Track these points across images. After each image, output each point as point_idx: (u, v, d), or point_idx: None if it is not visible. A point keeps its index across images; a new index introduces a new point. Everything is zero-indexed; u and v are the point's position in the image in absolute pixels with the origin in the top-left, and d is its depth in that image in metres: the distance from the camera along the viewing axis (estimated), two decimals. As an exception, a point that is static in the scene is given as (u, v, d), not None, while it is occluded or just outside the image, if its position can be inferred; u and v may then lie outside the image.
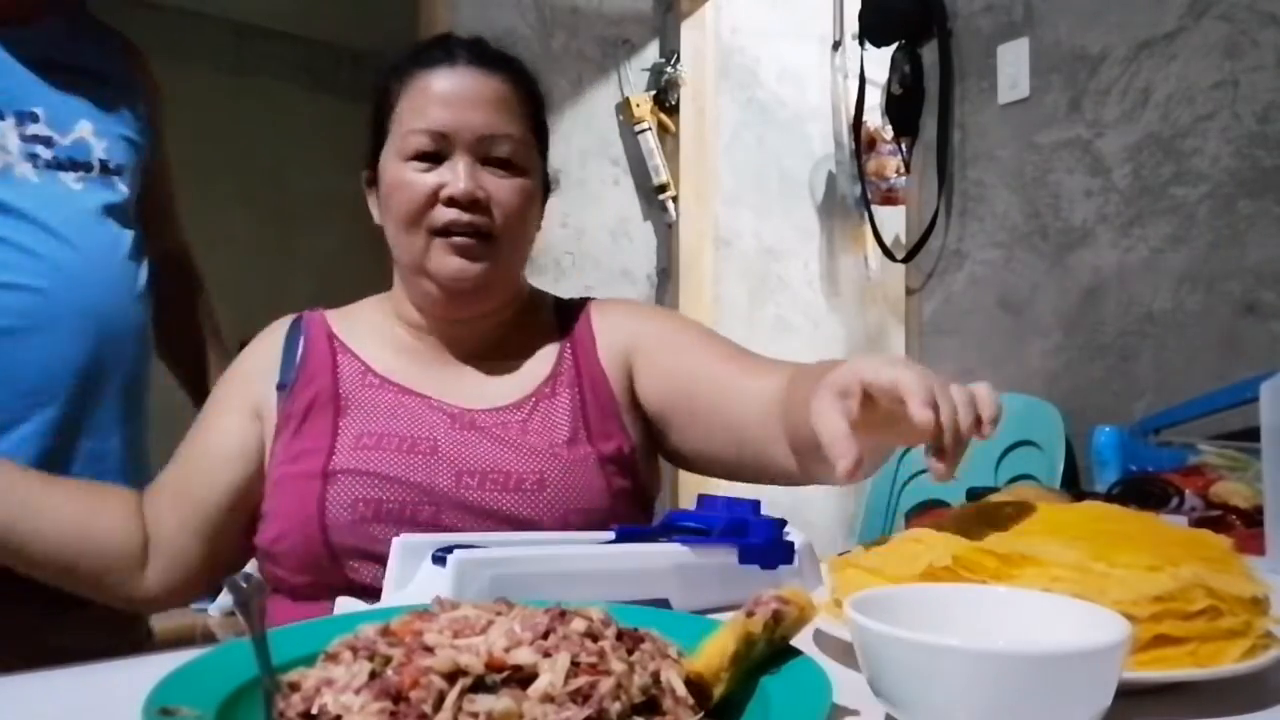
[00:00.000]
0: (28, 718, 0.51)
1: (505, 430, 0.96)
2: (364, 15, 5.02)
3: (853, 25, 2.98)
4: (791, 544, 0.78)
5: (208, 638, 2.38)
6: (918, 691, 0.45)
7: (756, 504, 0.79)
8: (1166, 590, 0.55)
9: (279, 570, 0.92)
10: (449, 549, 0.66)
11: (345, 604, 0.70)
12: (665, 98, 2.96)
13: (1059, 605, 0.52)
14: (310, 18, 5.20)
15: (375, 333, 1.05)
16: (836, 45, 3.43)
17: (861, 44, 2.75)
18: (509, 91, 1.00)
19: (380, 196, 1.01)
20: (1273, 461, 0.97)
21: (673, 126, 2.97)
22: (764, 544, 0.76)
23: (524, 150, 0.99)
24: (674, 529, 0.77)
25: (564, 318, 1.09)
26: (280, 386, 1.00)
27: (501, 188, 0.97)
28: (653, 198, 2.97)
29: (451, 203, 0.95)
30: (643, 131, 2.90)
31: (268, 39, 5.38)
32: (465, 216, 0.95)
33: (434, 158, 0.96)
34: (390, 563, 0.70)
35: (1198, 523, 1.29)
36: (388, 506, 0.89)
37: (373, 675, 0.40)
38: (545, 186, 1.07)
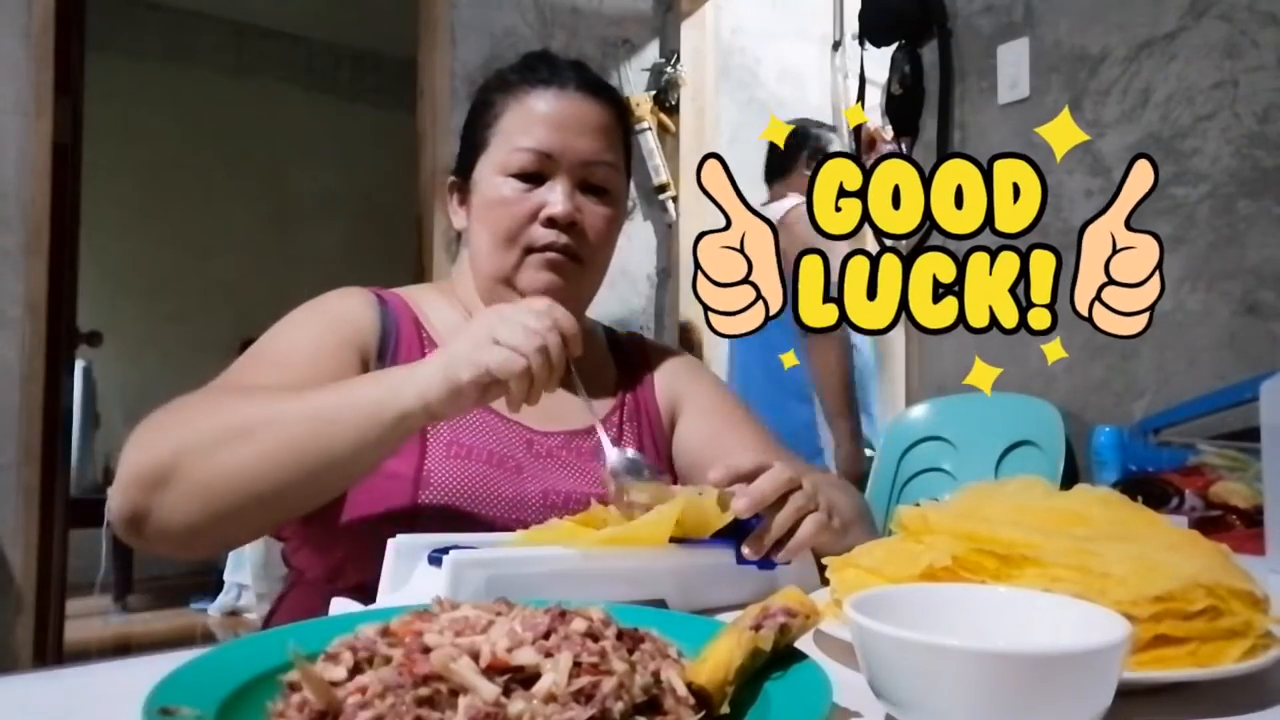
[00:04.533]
0: (28, 718, 0.51)
1: (579, 456, 0.99)
2: (364, 15, 5.03)
3: (853, 25, 2.98)
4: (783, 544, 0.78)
5: (208, 638, 2.38)
6: (918, 691, 0.45)
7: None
8: (1166, 590, 0.55)
9: (325, 556, 0.90)
10: (445, 550, 0.66)
11: (341, 605, 0.70)
12: (665, 98, 2.96)
13: (1059, 605, 0.53)
14: (310, 18, 5.20)
15: (449, 328, 1.03)
16: (836, 45, 3.43)
17: (861, 44, 2.75)
18: (611, 119, 1.02)
19: (472, 206, 1.02)
20: (1273, 461, 0.97)
21: (673, 126, 2.97)
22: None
23: (618, 178, 1.02)
24: None
25: (617, 348, 1.14)
26: (379, 357, 0.97)
27: (596, 214, 0.99)
28: (653, 198, 2.97)
29: (550, 223, 0.96)
30: (643, 131, 2.91)
31: (268, 39, 5.38)
32: (562, 239, 0.97)
33: (535, 177, 0.97)
34: (386, 563, 0.69)
35: (1198, 523, 1.29)
36: (477, 521, 0.89)
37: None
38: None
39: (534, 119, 0.98)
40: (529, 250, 0.97)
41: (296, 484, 0.77)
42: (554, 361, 0.76)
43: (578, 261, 0.99)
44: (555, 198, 0.96)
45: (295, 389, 0.81)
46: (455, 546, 0.67)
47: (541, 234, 0.97)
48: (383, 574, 0.69)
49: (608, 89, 1.04)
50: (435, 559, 0.66)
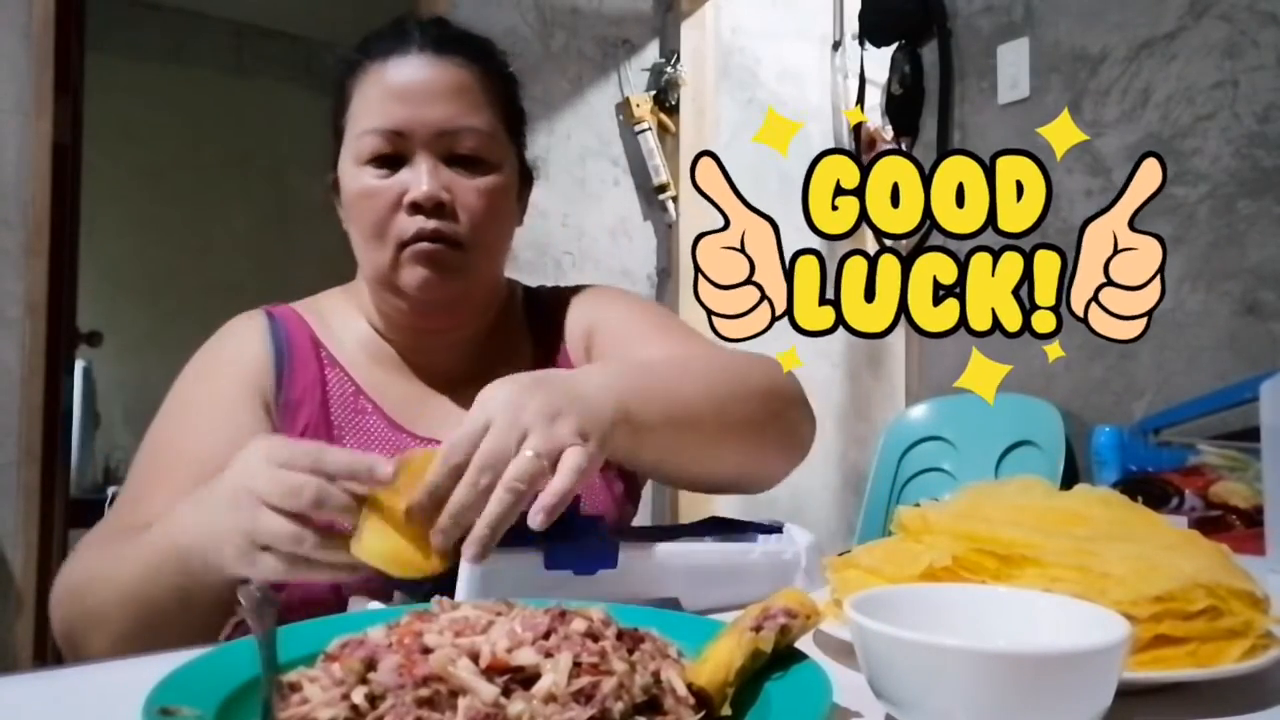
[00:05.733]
0: (28, 718, 0.51)
1: None
2: (364, 15, 5.02)
3: (853, 25, 2.98)
4: (616, 543, 0.69)
5: (208, 638, 2.37)
6: (918, 691, 0.45)
7: (576, 498, 0.67)
8: (1166, 590, 0.55)
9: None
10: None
11: (358, 603, 0.70)
12: (665, 98, 2.96)
13: (1059, 605, 0.52)
14: (310, 18, 5.19)
15: (353, 337, 0.96)
16: (836, 45, 3.43)
17: (861, 44, 2.75)
18: (470, 78, 0.89)
19: (344, 203, 0.92)
20: (1273, 461, 0.97)
21: (673, 126, 2.97)
22: (577, 544, 0.68)
23: (491, 143, 0.89)
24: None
25: (533, 315, 1.02)
26: (278, 385, 0.90)
27: (467, 189, 0.87)
28: (653, 198, 2.97)
29: (415, 209, 0.85)
30: (643, 131, 2.90)
31: (268, 39, 5.38)
32: (431, 223, 0.85)
33: (393, 160, 0.87)
34: None
35: (1197, 523, 1.29)
36: None
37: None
38: (525, 177, 0.97)
39: (379, 95, 0.87)
40: (400, 244, 0.86)
41: (172, 627, 0.71)
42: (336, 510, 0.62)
43: (457, 247, 0.87)
44: (415, 179, 0.85)
45: (156, 525, 0.74)
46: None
47: (408, 224, 0.85)
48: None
49: (463, 42, 0.91)
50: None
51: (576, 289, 1.05)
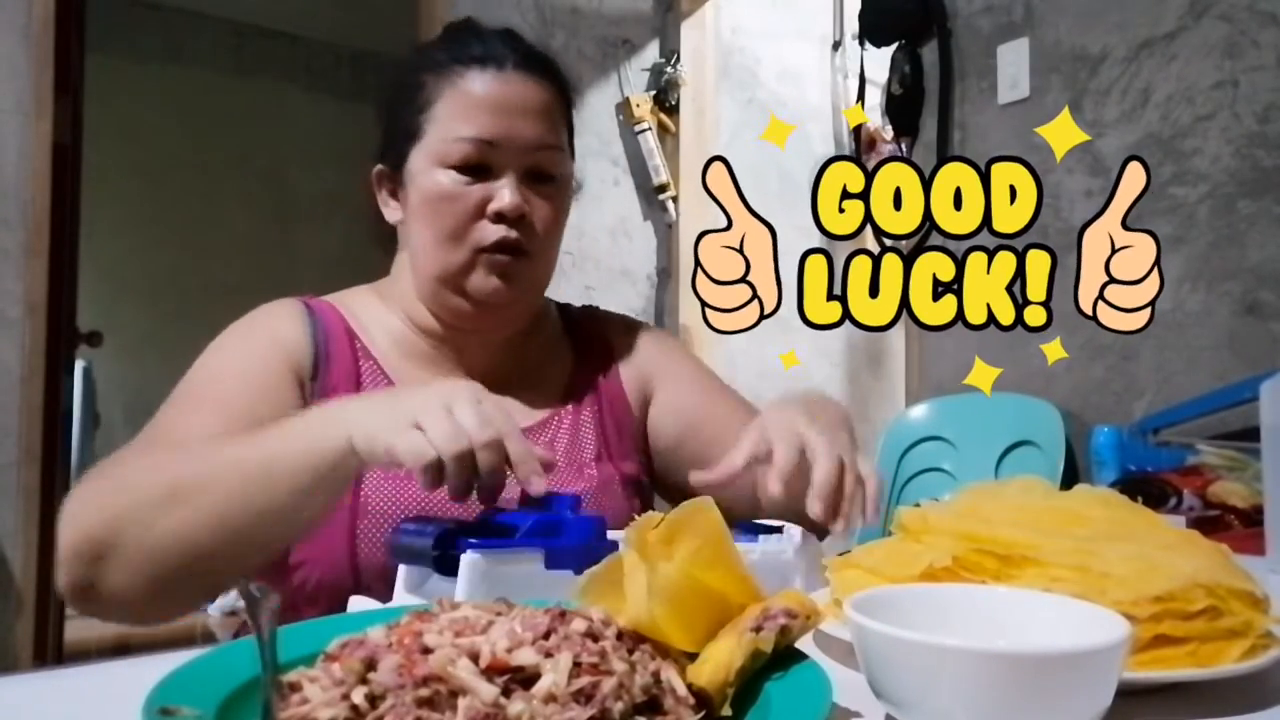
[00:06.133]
0: (28, 718, 0.51)
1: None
2: (364, 15, 5.02)
3: (853, 25, 2.98)
4: (614, 544, 0.68)
5: (208, 638, 2.38)
6: (918, 691, 0.45)
7: (575, 499, 0.73)
8: (1166, 590, 0.55)
9: (283, 585, 0.86)
10: (460, 549, 0.66)
11: (359, 603, 0.70)
12: (665, 98, 2.96)
13: (1059, 605, 0.53)
14: (310, 18, 5.20)
15: (386, 334, 0.97)
16: (836, 45, 3.43)
17: (861, 44, 2.75)
18: (554, 98, 0.95)
19: (408, 201, 0.94)
20: (1273, 461, 0.97)
21: (673, 126, 2.97)
22: (576, 546, 0.69)
23: (564, 161, 0.96)
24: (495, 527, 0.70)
25: (572, 327, 1.07)
26: (313, 374, 0.92)
27: (542, 204, 0.92)
28: (653, 198, 2.97)
29: (499, 219, 0.90)
30: (643, 131, 2.91)
31: (268, 39, 5.38)
32: (512, 234, 0.90)
33: (477, 169, 0.90)
34: (400, 565, 0.69)
35: (1196, 522, 1.29)
36: None
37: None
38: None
39: (472, 104, 0.90)
40: (478, 250, 0.90)
41: (238, 543, 0.73)
42: (481, 470, 0.67)
43: (527, 257, 0.92)
44: (502, 191, 0.89)
45: (227, 437, 0.77)
46: (470, 545, 0.65)
47: (490, 231, 0.90)
48: (398, 576, 0.69)
49: (547, 63, 0.96)
50: (452, 558, 0.65)
51: (621, 317, 1.12)
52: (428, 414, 0.68)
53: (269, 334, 0.92)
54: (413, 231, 0.94)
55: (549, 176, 0.93)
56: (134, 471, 0.77)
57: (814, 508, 0.74)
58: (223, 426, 0.81)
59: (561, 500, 0.72)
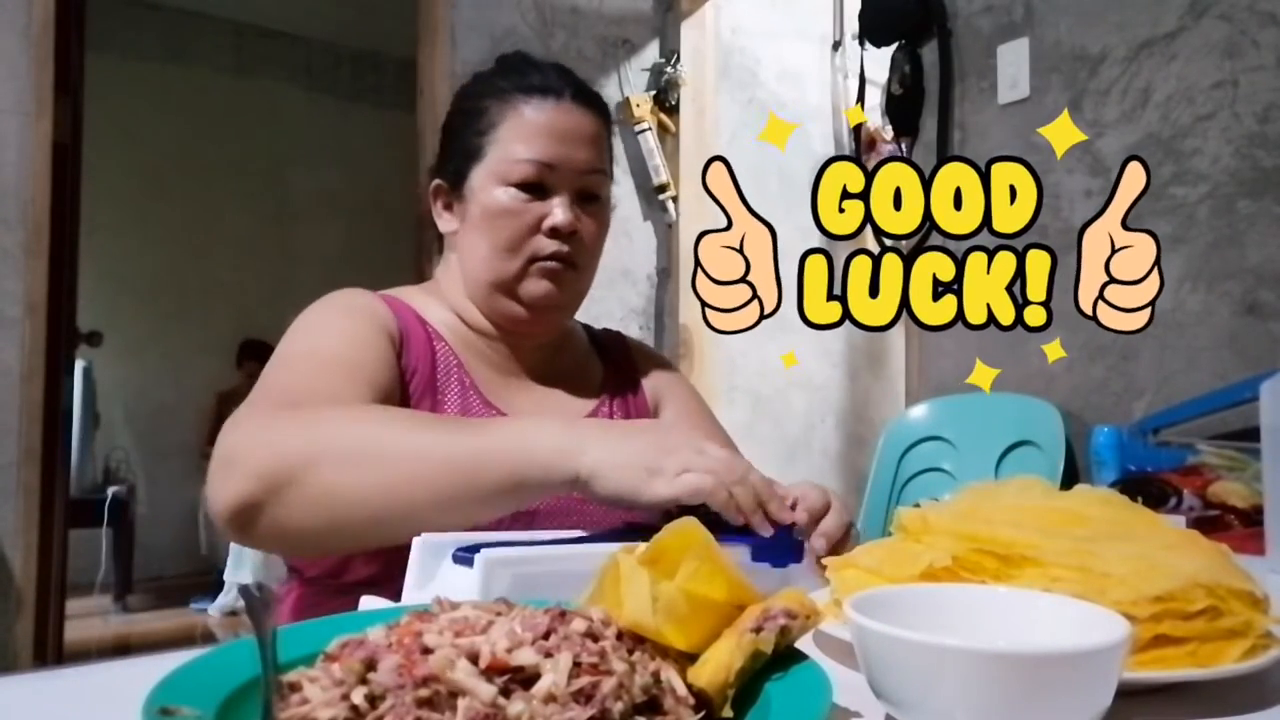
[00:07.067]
0: (28, 718, 0.51)
1: None
2: (364, 15, 5.03)
3: (853, 25, 2.98)
4: (801, 542, 0.79)
5: (208, 638, 2.38)
6: (918, 691, 0.45)
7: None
8: (1166, 590, 0.55)
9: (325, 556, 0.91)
10: (470, 548, 0.66)
11: (369, 602, 0.70)
12: (665, 98, 2.96)
13: (1059, 605, 0.53)
14: (310, 18, 5.20)
15: (447, 327, 1.05)
16: (836, 45, 3.43)
17: (861, 44, 2.76)
18: (601, 127, 1.05)
19: (468, 214, 1.03)
20: (1273, 461, 0.97)
21: (673, 126, 2.97)
22: (775, 542, 0.76)
23: (607, 183, 1.06)
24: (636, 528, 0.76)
25: (598, 343, 1.18)
26: (398, 349, 0.98)
27: (590, 222, 1.02)
28: (653, 198, 2.97)
29: (554, 234, 0.99)
30: (643, 131, 2.91)
31: (268, 39, 5.38)
32: (564, 248, 1.00)
33: (535, 187, 0.99)
34: (411, 562, 0.69)
35: (1195, 522, 1.29)
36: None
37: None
38: None
39: (533, 130, 1.00)
40: (532, 260, 1.00)
41: (420, 519, 0.75)
42: (742, 507, 0.74)
43: (574, 268, 1.02)
44: (556, 209, 0.99)
45: (430, 416, 0.88)
46: (481, 544, 0.67)
47: (545, 244, 1.00)
48: (408, 571, 0.69)
49: (596, 96, 1.07)
50: (463, 558, 0.66)
51: (637, 343, 1.23)
52: (679, 455, 0.75)
53: (357, 306, 0.98)
54: (469, 241, 1.03)
55: (595, 197, 1.03)
56: (330, 421, 0.80)
57: (818, 543, 0.79)
58: (357, 390, 0.87)
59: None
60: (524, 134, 1.00)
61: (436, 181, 1.07)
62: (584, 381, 1.11)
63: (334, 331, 0.94)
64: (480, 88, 1.06)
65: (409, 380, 0.97)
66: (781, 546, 0.77)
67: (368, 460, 0.76)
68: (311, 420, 0.80)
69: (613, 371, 1.14)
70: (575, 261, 1.02)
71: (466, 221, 1.03)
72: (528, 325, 1.04)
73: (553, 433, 0.78)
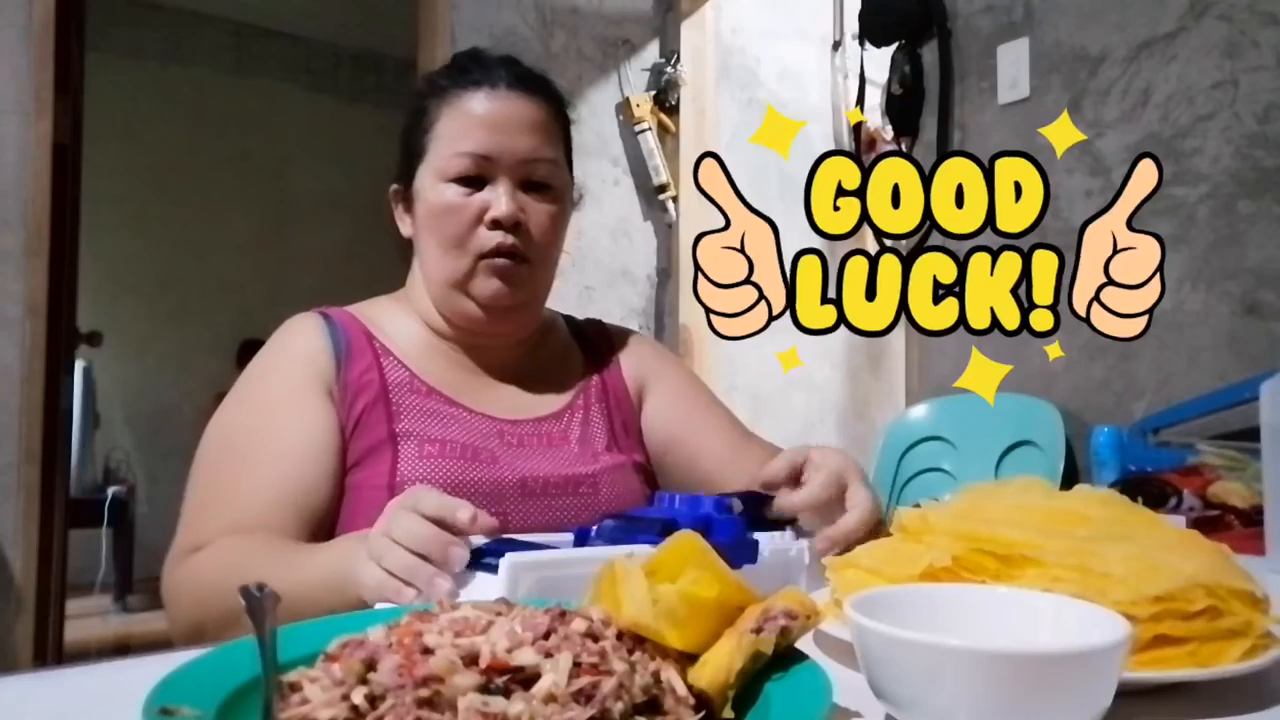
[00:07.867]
0: (28, 718, 0.51)
1: (550, 439, 1.01)
2: (364, 15, 5.03)
3: (853, 25, 2.98)
4: (755, 543, 0.75)
5: (208, 638, 2.37)
6: (918, 692, 0.45)
7: (720, 501, 0.75)
8: (1166, 590, 0.55)
9: None
10: (497, 552, 0.65)
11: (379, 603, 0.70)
12: (665, 98, 2.96)
13: (1059, 605, 0.53)
14: (310, 18, 5.20)
15: (405, 337, 1.04)
16: (836, 45, 3.43)
17: (861, 44, 2.75)
18: (547, 114, 1.02)
19: (416, 214, 1.02)
20: (1273, 461, 0.97)
21: (673, 126, 2.97)
22: (731, 542, 0.72)
23: (559, 172, 1.02)
24: (634, 521, 0.73)
25: (579, 335, 1.16)
26: (337, 378, 0.98)
27: (539, 212, 0.99)
28: (653, 198, 2.97)
29: (495, 225, 0.97)
30: (643, 131, 2.90)
31: (268, 39, 5.38)
32: (509, 240, 0.97)
33: (476, 181, 0.98)
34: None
35: (1195, 522, 1.29)
36: None
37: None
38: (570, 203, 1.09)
39: (470, 122, 0.98)
40: (479, 256, 0.98)
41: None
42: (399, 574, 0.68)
43: (525, 263, 0.99)
44: (498, 199, 0.97)
45: (270, 549, 0.83)
46: (501, 547, 0.66)
47: (488, 237, 0.97)
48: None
49: (541, 82, 1.04)
50: (489, 564, 0.65)
51: (623, 327, 1.20)
52: (382, 549, 0.69)
53: (296, 353, 0.99)
54: (422, 242, 1.02)
55: (544, 186, 1.00)
56: (212, 570, 0.86)
57: (822, 544, 0.79)
58: (274, 473, 0.89)
59: (702, 501, 0.75)
60: (460, 128, 0.98)
61: (394, 186, 1.06)
62: (562, 375, 1.09)
63: (270, 398, 0.96)
64: (424, 88, 1.05)
65: (354, 398, 0.96)
66: (737, 546, 0.73)
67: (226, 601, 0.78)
68: (207, 581, 0.85)
69: (592, 360, 1.12)
70: (525, 255, 0.99)
71: (418, 222, 1.02)
72: (488, 327, 1.02)
73: (340, 548, 0.77)
